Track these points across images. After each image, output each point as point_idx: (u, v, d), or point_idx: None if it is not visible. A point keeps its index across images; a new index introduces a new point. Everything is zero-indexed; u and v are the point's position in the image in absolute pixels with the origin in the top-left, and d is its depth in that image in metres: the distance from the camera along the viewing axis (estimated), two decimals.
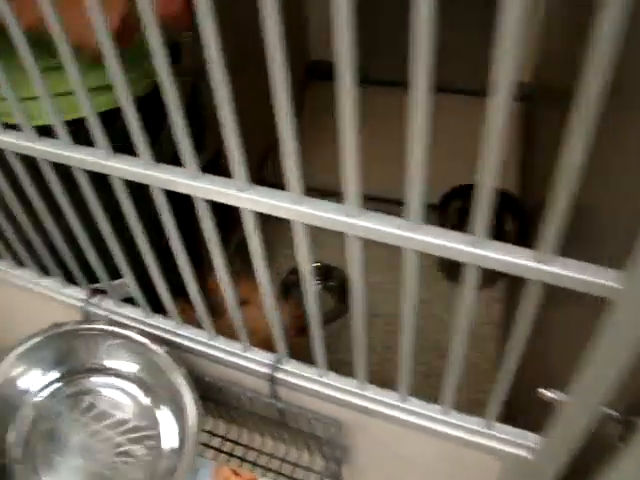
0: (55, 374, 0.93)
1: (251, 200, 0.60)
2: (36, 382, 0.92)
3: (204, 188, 0.62)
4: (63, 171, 0.74)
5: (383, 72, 2.64)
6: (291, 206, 0.59)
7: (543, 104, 2.34)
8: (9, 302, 1.13)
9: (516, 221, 2.19)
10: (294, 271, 2.24)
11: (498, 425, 0.78)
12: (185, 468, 0.82)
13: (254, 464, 1.03)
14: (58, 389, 0.93)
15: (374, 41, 2.80)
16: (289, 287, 2.26)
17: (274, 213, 0.60)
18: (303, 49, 3.14)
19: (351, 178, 0.52)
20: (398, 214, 0.56)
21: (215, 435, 1.07)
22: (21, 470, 0.87)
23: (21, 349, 0.89)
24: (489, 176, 0.47)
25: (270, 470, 1.02)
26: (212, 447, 1.06)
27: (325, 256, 2.37)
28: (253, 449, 1.05)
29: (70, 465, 0.90)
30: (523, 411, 0.84)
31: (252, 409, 0.95)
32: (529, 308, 0.57)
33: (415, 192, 0.51)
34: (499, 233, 2.24)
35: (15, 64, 0.63)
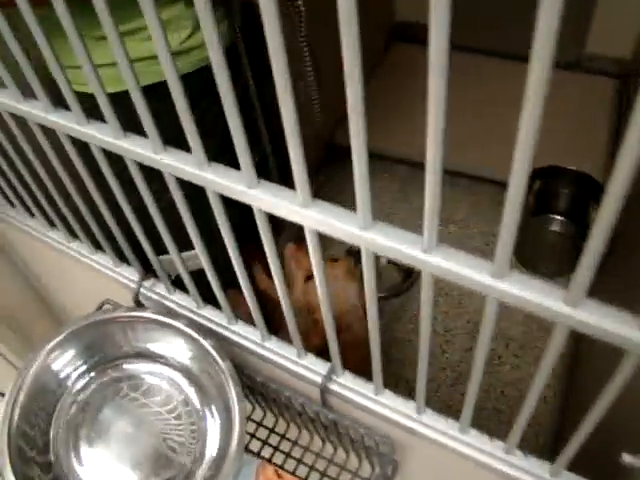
0: (98, 360, 0.89)
1: (314, 219, 0.53)
2: (78, 368, 0.88)
3: (262, 199, 0.55)
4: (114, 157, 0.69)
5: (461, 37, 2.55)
6: (359, 232, 0.51)
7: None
8: (66, 272, 1.10)
9: (599, 207, 2.06)
10: None
11: (568, 475, 0.70)
12: (230, 466, 0.78)
13: (299, 461, 0.99)
14: (101, 375, 0.90)
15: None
16: (357, 256, 2.20)
17: (338, 236, 0.53)
18: (388, 10, 3.02)
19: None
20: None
21: (262, 426, 1.03)
22: (66, 462, 0.85)
23: (63, 335, 0.85)
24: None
25: (314, 469, 0.97)
26: (258, 438, 1.02)
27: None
28: (300, 445, 1.01)
29: (115, 453, 0.87)
30: (591, 462, 0.76)
31: (303, 411, 0.90)
32: (622, 381, 0.49)
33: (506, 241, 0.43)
34: (582, 221, 2.10)
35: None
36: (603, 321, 0.45)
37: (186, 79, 0.53)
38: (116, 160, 0.69)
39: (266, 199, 0.55)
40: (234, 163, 0.57)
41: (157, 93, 0.68)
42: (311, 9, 1.11)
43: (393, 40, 3.07)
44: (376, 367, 0.72)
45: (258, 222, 0.59)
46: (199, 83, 0.92)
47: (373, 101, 2.59)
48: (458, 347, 2.02)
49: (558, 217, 2.24)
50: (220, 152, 0.66)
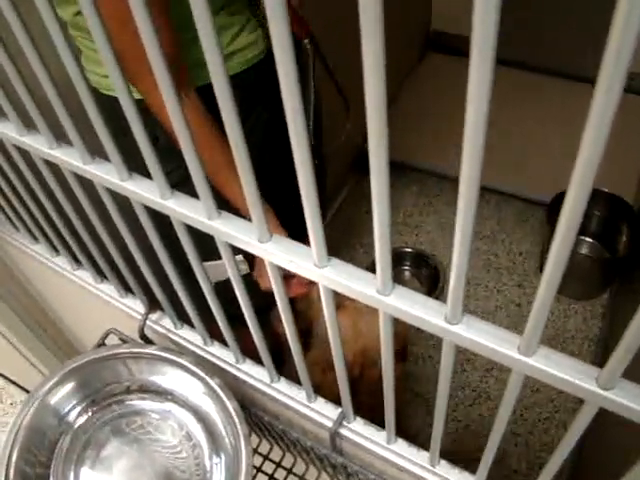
0: (100, 395, 0.86)
1: (328, 279, 0.50)
2: (80, 404, 0.85)
3: (274, 254, 0.52)
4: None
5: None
6: (379, 297, 0.48)
7: None
8: (72, 298, 1.08)
9: (630, 230, 2.01)
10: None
11: None
12: None
13: None
14: (104, 410, 0.87)
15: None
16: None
17: (355, 297, 0.50)
18: (424, 20, 2.95)
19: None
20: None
21: (269, 459, 1.00)
22: None
23: (62, 372, 0.82)
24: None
25: None
26: (264, 472, 0.99)
27: (419, 241, 2.26)
28: None
29: None
30: None
31: (311, 451, 0.87)
32: None
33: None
34: (611, 244, 2.06)
35: None
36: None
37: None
38: (122, 198, 0.66)
39: (279, 254, 0.52)
40: None
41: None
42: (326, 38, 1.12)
43: (428, 50, 3.00)
44: (389, 416, 0.69)
45: (271, 277, 0.56)
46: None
47: (403, 112, 2.52)
48: (478, 365, 1.99)
49: (588, 239, 2.19)
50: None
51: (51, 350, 1.40)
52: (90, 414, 0.87)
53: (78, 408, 0.85)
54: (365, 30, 0.31)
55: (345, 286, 0.49)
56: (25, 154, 0.72)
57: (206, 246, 0.68)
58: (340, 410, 0.77)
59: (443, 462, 0.73)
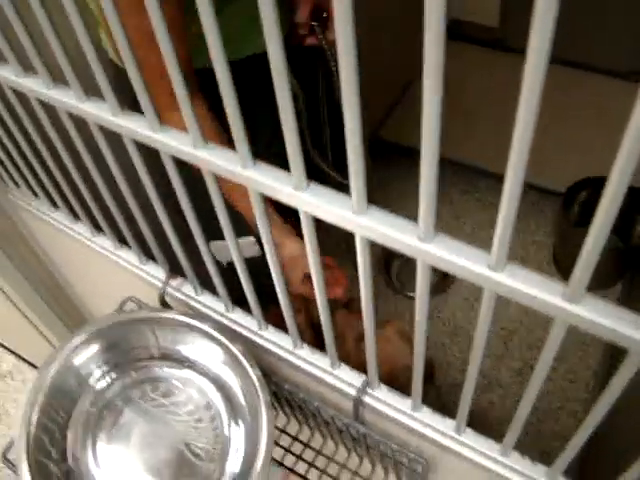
0: (122, 360, 0.86)
1: (367, 227, 0.49)
2: (101, 367, 0.85)
3: (311, 203, 0.51)
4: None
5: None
6: (418, 244, 0.47)
7: None
8: (89, 266, 1.07)
9: None
10: None
11: None
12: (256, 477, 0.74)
13: (323, 471, 0.95)
14: (124, 376, 0.86)
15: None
16: (390, 259, 2.16)
17: (394, 247, 0.49)
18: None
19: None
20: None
21: (286, 433, 0.99)
22: (84, 467, 0.81)
23: (88, 333, 0.82)
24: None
25: None
26: (281, 446, 0.98)
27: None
28: (324, 455, 0.97)
29: (134, 458, 0.83)
30: None
31: (331, 422, 0.86)
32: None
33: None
34: (626, 234, 2.03)
35: None
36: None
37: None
38: (149, 153, 0.65)
39: (316, 203, 0.51)
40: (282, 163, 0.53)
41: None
42: None
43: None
44: (417, 381, 0.68)
45: (304, 227, 0.55)
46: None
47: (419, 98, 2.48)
48: (490, 354, 1.97)
49: None
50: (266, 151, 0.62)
51: (64, 322, 1.39)
52: (111, 378, 0.86)
53: (100, 371, 0.84)
54: None
55: (384, 235, 0.48)
56: (50, 109, 0.71)
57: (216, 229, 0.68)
58: (364, 377, 0.76)
59: (469, 430, 0.72)
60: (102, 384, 0.85)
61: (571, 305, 0.44)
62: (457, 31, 2.80)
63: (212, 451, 0.84)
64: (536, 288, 0.44)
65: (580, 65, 2.63)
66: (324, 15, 1.02)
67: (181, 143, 0.58)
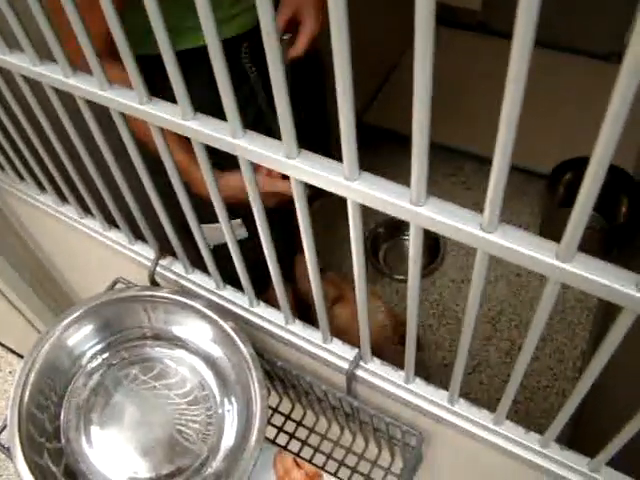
0: (114, 339, 0.85)
1: (359, 192, 0.49)
2: (94, 347, 0.84)
3: (303, 169, 0.51)
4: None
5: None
6: (411, 207, 0.47)
7: None
8: (77, 249, 1.06)
9: (630, 201, 2.00)
10: (383, 224, 2.14)
11: (606, 469, 0.66)
12: (249, 457, 0.74)
13: (316, 449, 0.95)
14: (116, 356, 0.86)
15: None
16: (378, 241, 2.16)
17: (387, 211, 0.49)
18: None
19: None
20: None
21: (278, 412, 0.99)
22: (77, 447, 0.81)
23: (81, 311, 0.81)
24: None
25: (332, 458, 0.94)
26: (274, 425, 0.98)
27: None
28: (317, 433, 0.97)
29: (127, 438, 0.83)
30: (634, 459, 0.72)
31: (324, 398, 0.86)
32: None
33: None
34: (611, 214, 2.05)
35: None
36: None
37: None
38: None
39: (308, 170, 0.51)
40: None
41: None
42: None
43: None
44: (410, 352, 0.68)
45: (295, 195, 0.55)
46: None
47: (404, 81, 2.50)
48: (478, 335, 1.98)
49: None
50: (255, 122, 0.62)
51: (53, 310, 1.38)
52: (103, 359, 0.86)
53: (93, 350, 0.84)
54: None
55: (377, 198, 0.48)
56: (37, 86, 0.71)
57: (206, 211, 0.68)
58: (357, 350, 0.76)
59: (462, 400, 0.73)
60: (94, 364, 0.85)
61: (564, 263, 0.44)
62: (440, 15, 2.79)
63: (205, 430, 0.84)
64: (529, 247, 0.45)
65: (561, 47, 2.64)
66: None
67: (169, 114, 0.58)
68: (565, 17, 2.51)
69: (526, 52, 0.33)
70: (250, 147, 0.53)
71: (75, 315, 0.81)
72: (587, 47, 2.57)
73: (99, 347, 0.84)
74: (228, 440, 0.82)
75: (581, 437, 1.30)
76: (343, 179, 0.49)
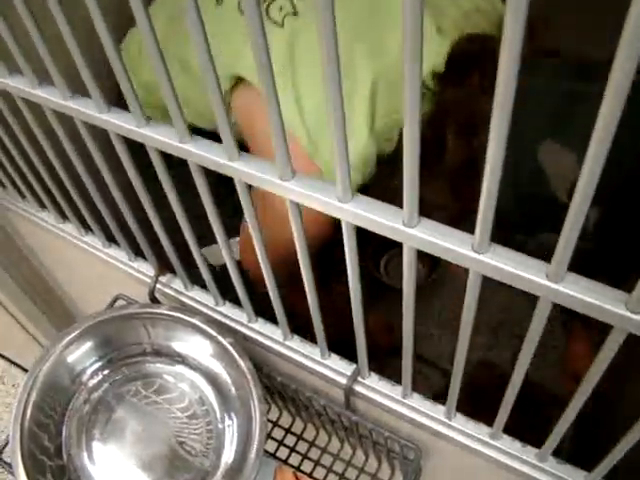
0: (114, 356, 0.86)
1: (353, 214, 0.50)
2: (94, 364, 0.85)
3: (294, 191, 0.52)
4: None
5: None
6: (403, 229, 0.48)
7: None
8: (78, 266, 1.07)
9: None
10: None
11: None
12: (250, 472, 0.75)
13: (316, 462, 0.96)
14: (116, 372, 0.86)
15: None
16: (378, 253, 2.16)
17: (381, 232, 0.50)
18: None
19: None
20: None
21: (278, 426, 1.00)
22: (79, 463, 0.82)
23: (81, 329, 0.82)
24: None
25: (332, 471, 0.94)
26: (274, 438, 0.99)
27: None
28: (317, 446, 0.98)
29: (128, 453, 0.84)
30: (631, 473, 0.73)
31: (323, 412, 0.87)
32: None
33: None
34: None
35: None
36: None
37: None
38: (135, 147, 0.66)
39: (300, 192, 0.52)
40: None
41: None
42: None
43: None
44: (406, 368, 0.69)
45: (290, 216, 0.56)
46: None
47: None
48: (477, 346, 1.98)
49: None
50: None
51: (54, 324, 1.39)
52: (104, 375, 0.86)
53: (93, 367, 0.85)
54: None
55: (372, 220, 0.49)
56: (35, 107, 0.72)
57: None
58: (355, 366, 0.77)
59: (459, 415, 0.73)
60: (95, 381, 0.86)
61: (555, 284, 0.45)
62: None
63: (206, 445, 0.84)
64: (520, 268, 0.45)
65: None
66: None
67: (167, 137, 0.59)
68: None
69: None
70: (246, 169, 0.54)
71: (75, 333, 0.81)
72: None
73: (100, 364, 0.85)
74: (228, 455, 0.83)
75: (585, 452, 1.30)
76: (337, 201, 0.50)
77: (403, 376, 0.71)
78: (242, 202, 0.59)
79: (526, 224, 0.75)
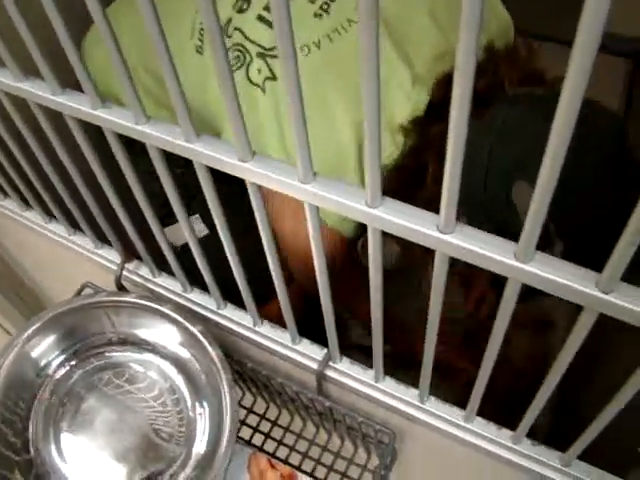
0: (80, 347, 0.84)
1: (312, 194, 0.48)
2: (59, 356, 0.83)
3: (255, 172, 0.50)
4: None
5: None
6: (368, 210, 0.46)
7: None
8: (44, 254, 1.04)
9: None
10: None
11: (577, 463, 0.66)
12: (222, 459, 0.74)
13: (292, 448, 0.94)
14: (84, 363, 0.84)
15: None
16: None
17: (351, 215, 0.48)
18: None
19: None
20: None
21: (253, 412, 0.98)
22: (48, 458, 0.80)
23: (42, 321, 0.80)
24: None
25: (308, 457, 0.93)
26: (249, 425, 0.97)
27: None
28: (292, 432, 0.96)
29: (99, 445, 0.82)
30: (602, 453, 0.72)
31: (296, 398, 0.86)
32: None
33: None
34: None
35: None
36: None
37: None
38: (95, 132, 0.63)
39: (260, 172, 0.50)
40: None
41: None
42: None
43: None
44: (377, 352, 0.67)
45: (251, 198, 0.54)
46: None
47: None
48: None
49: None
50: None
51: (23, 313, 1.36)
52: (71, 366, 0.84)
53: (59, 359, 0.83)
54: None
55: (334, 201, 0.47)
56: None
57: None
58: (326, 350, 0.76)
59: (432, 398, 0.72)
60: (61, 373, 0.84)
61: (523, 264, 0.43)
62: None
63: (178, 434, 0.83)
64: (487, 248, 0.44)
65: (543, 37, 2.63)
66: None
67: (123, 119, 0.56)
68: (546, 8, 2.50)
69: None
70: (206, 151, 0.52)
71: (36, 326, 0.79)
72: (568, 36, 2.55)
73: (65, 355, 0.83)
74: (200, 443, 0.81)
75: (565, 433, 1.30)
76: (298, 182, 0.48)
77: (374, 360, 0.69)
78: (203, 186, 0.57)
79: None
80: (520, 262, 0.43)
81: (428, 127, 0.83)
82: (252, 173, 0.50)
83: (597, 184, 0.74)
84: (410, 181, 0.84)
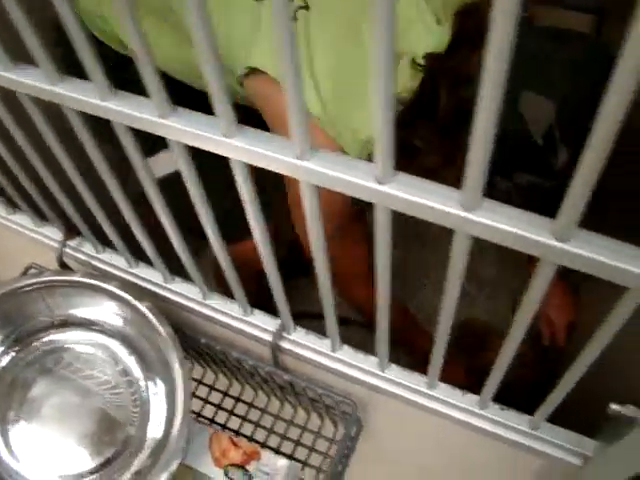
0: (21, 333, 0.79)
1: (240, 149, 0.44)
2: (2, 344, 0.78)
3: (179, 129, 0.46)
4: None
5: None
6: (299, 162, 0.42)
7: (616, 18, 2.08)
8: None
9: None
10: None
11: (546, 425, 0.63)
12: (176, 439, 0.70)
13: (256, 424, 0.91)
14: (27, 349, 0.79)
15: None
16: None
17: (272, 167, 0.44)
18: None
19: None
20: None
21: (215, 389, 0.94)
22: None
23: None
24: None
25: (274, 432, 0.89)
26: (211, 403, 0.93)
27: None
28: (257, 407, 0.93)
29: (50, 434, 0.78)
30: (573, 416, 0.70)
31: (255, 372, 0.82)
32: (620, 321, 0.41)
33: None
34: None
35: None
36: (598, 254, 0.37)
37: None
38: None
39: (184, 129, 0.45)
40: None
41: None
42: None
43: None
44: (330, 320, 0.63)
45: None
46: None
47: None
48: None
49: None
50: None
51: None
52: (14, 353, 0.80)
53: (1, 347, 0.78)
54: None
55: (261, 154, 0.43)
56: None
57: None
58: (279, 321, 0.72)
59: (393, 365, 0.69)
60: (6, 360, 0.79)
61: (469, 213, 0.39)
62: None
63: (132, 415, 0.79)
64: (432, 199, 0.40)
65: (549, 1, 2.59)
66: None
67: (87, 96, 0.51)
68: None
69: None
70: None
71: None
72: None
73: (7, 343, 0.78)
74: (156, 422, 0.77)
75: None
76: (222, 136, 0.44)
77: (328, 328, 0.65)
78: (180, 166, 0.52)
79: (504, 164, 0.77)
80: (467, 211, 0.39)
81: (445, 59, 0.83)
82: (237, 150, 0.45)
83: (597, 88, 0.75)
84: (421, 112, 0.85)
